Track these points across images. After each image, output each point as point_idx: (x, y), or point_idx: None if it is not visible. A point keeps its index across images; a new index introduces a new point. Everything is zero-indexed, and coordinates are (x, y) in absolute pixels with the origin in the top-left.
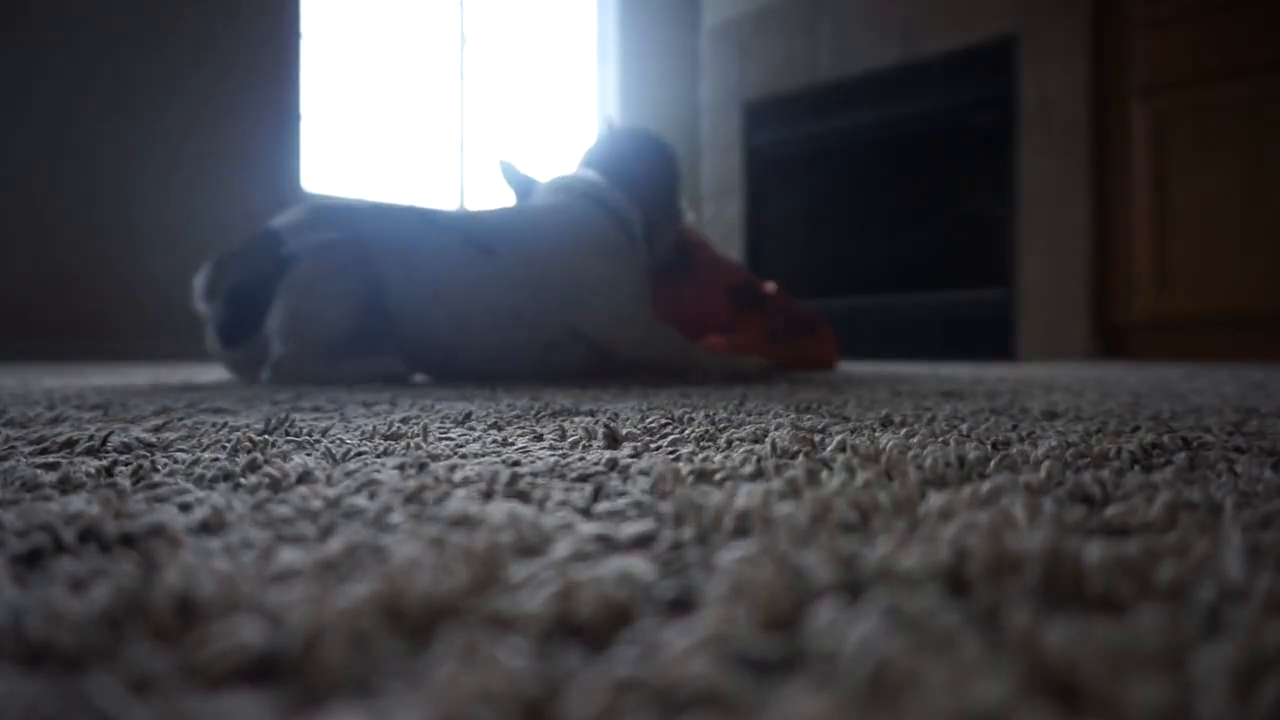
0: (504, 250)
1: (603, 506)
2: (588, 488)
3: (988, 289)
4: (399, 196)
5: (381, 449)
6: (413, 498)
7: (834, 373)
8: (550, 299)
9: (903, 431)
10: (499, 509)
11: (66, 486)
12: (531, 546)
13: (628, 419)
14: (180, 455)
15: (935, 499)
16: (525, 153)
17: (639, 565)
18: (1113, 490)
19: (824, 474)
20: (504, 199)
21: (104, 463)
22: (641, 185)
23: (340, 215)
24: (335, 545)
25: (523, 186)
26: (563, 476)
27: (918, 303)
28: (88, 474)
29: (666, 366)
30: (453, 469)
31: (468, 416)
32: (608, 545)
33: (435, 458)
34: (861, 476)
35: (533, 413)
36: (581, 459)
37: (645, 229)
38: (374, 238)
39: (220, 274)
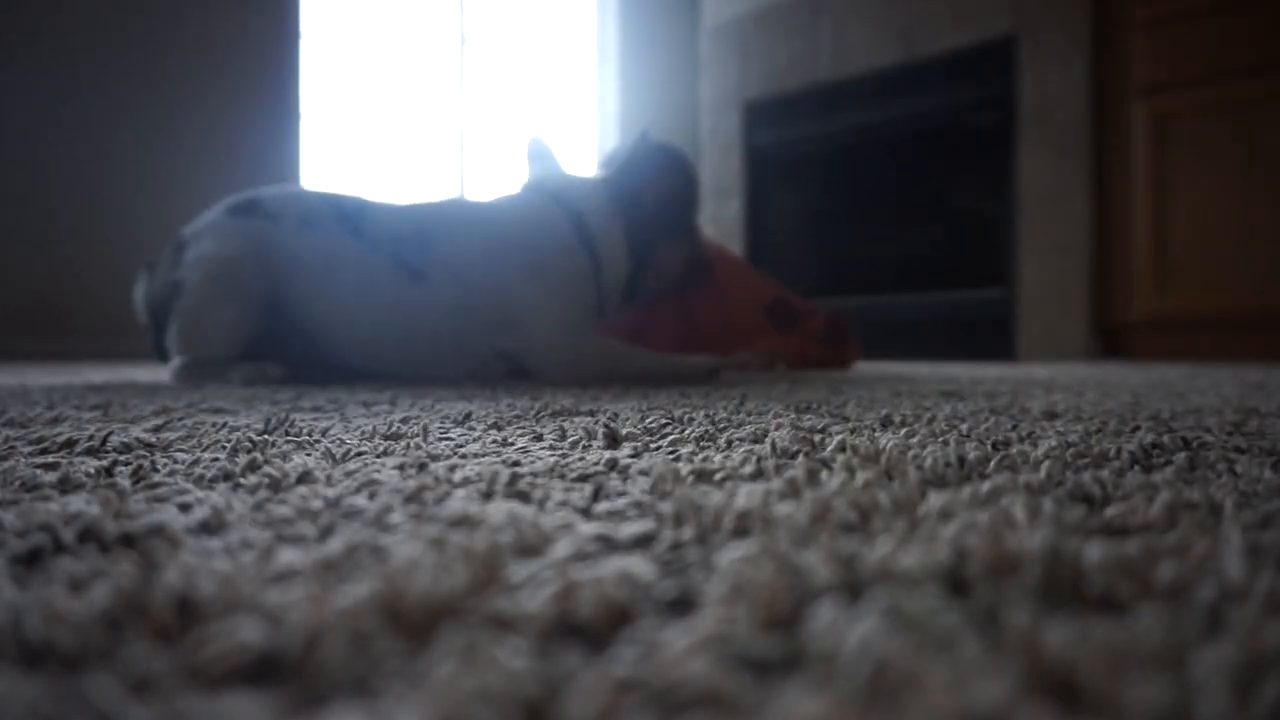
0: (435, 273)
1: (603, 506)
2: (588, 488)
3: (987, 289)
4: (395, 195)
5: (381, 449)
6: (413, 498)
7: (834, 372)
8: (478, 322)
9: (903, 431)
10: (499, 509)
11: (66, 486)
12: (531, 546)
13: (628, 419)
14: (180, 455)
15: (935, 499)
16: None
17: (639, 565)
18: (1113, 490)
19: (824, 474)
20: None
21: (104, 463)
22: (645, 201)
23: (254, 224)
24: (335, 545)
25: (543, 167)
26: (563, 476)
27: (917, 302)
28: (87, 474)
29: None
30: (453, 469)
31: (468, 416)
32: (608, 545)
33: (435, 458)
34: (861, 476)
35: (533, 413)
36: (581, 459)
37: (635, 247)
38: (287, 252)
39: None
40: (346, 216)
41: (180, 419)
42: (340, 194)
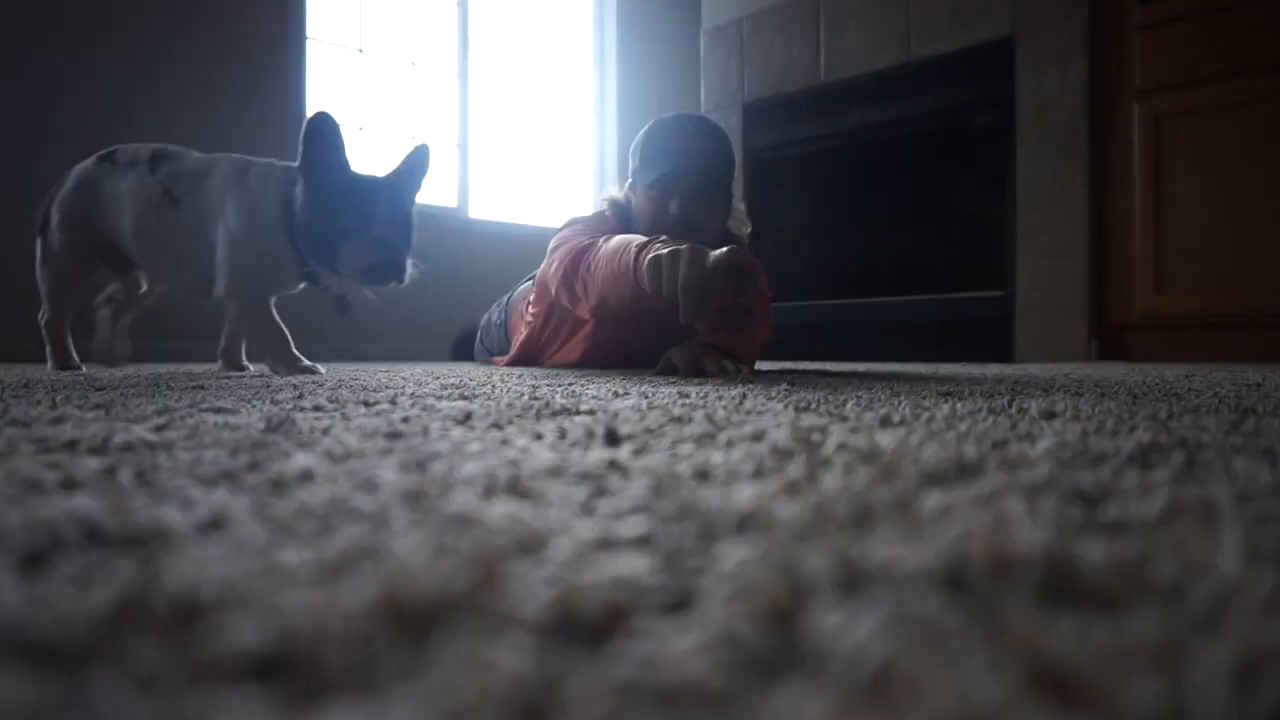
0: (186, 201)
1: (603, 506)
2: (588, 488)
3: (986, 290)
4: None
5: (382, 449)
6: (413, 498)
7: (833, 372)
8: (207, 243)
9: (902, 431)
10: (499, 509)
11: (69, 486)
12: (531, 546)
13: (628, 419)
14: (182, 455)
15: (934, 498)
16: (525, 154)
17: (639, 565)
18: (1111, 490)
19: (824, 474)
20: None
21: (106, 462)
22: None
23: (88, 167)
24: (335, 545)
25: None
26: (563, 476)
27: (916, 304)
28: (90, 473)
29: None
30: (453, 469)
31: (468, 416)
32: (608, 545)
33: (435, 457)
34: (861, 476)
35: (533, 413)
36: (582, 459)
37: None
38: (109, 187)
39: None
40: (153, 160)
41: (182, 418)
42: (163, 148)
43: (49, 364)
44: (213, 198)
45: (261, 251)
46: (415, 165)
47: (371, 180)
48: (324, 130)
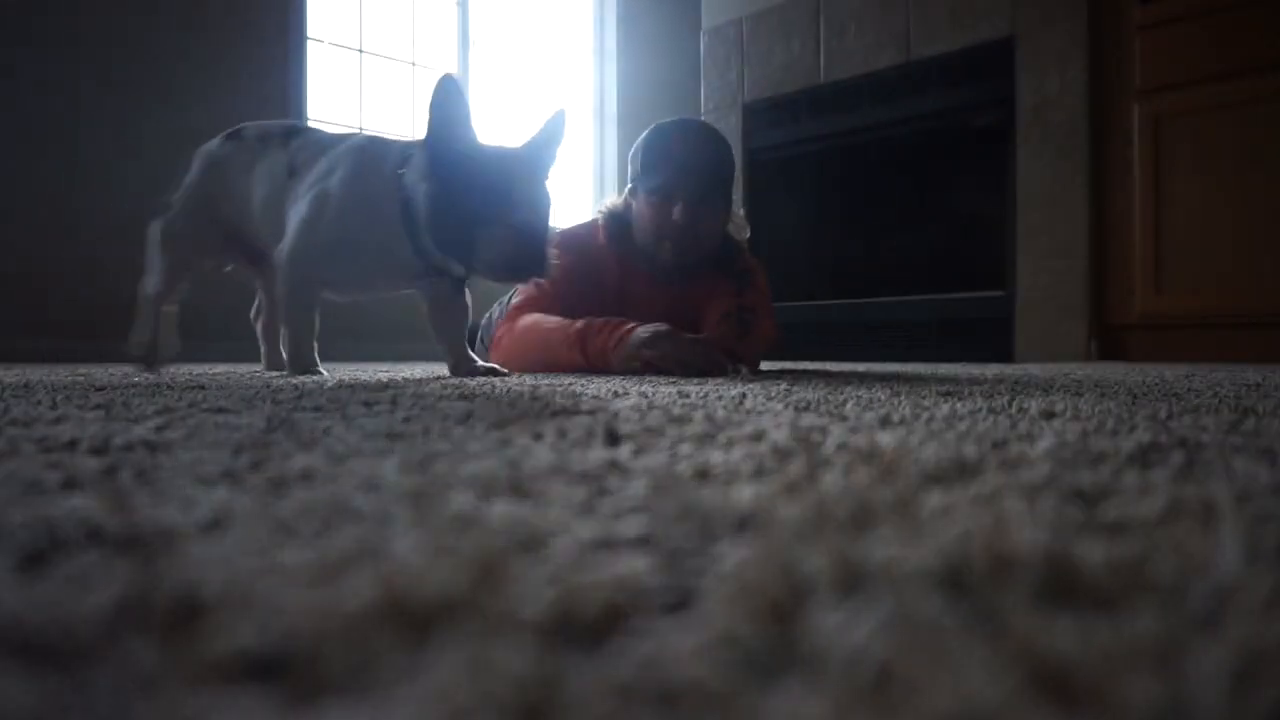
0: (301, 172)
1: (603, 506)
2: (588, 488)
3: (986, 290)
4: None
5: (382, 449)
6: (413, 498)
7: (833, 373)
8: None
9: (902, 431)
10: (499, 509)
11: (69, 486)
12: (532, 546)
13: (628, 419)
14: (182, 455)
15: (935, 498)
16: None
17: (639, 565)
18: (1111, 489)
19: (824, 473)
20: None
21: (107, 462)
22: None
23: (212, 146)
24: (335, 545)
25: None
26: (563, 476)
27: (916, 304)
28: (91, 473)
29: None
30: (453, 469)
31: (468, 416)
32: (608, 545)
33: (435, 457)
34: (861, 476)
35: (533, 413)
36: (581, 459)
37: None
38: (235, 164)
39: None
40: (286, 135)
41: (182, 418)
42: (297, 124)
43: (132, 340)
44: (327, 167)
45: (355, 230)
46: (552, 135)
47: (507, 154)
48: (450, 97)
